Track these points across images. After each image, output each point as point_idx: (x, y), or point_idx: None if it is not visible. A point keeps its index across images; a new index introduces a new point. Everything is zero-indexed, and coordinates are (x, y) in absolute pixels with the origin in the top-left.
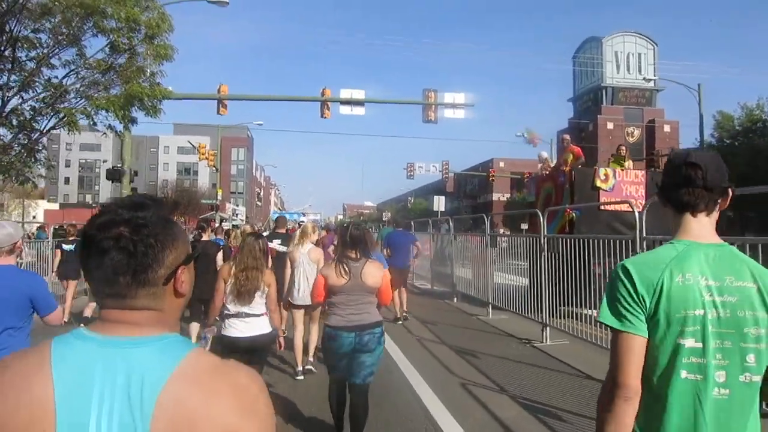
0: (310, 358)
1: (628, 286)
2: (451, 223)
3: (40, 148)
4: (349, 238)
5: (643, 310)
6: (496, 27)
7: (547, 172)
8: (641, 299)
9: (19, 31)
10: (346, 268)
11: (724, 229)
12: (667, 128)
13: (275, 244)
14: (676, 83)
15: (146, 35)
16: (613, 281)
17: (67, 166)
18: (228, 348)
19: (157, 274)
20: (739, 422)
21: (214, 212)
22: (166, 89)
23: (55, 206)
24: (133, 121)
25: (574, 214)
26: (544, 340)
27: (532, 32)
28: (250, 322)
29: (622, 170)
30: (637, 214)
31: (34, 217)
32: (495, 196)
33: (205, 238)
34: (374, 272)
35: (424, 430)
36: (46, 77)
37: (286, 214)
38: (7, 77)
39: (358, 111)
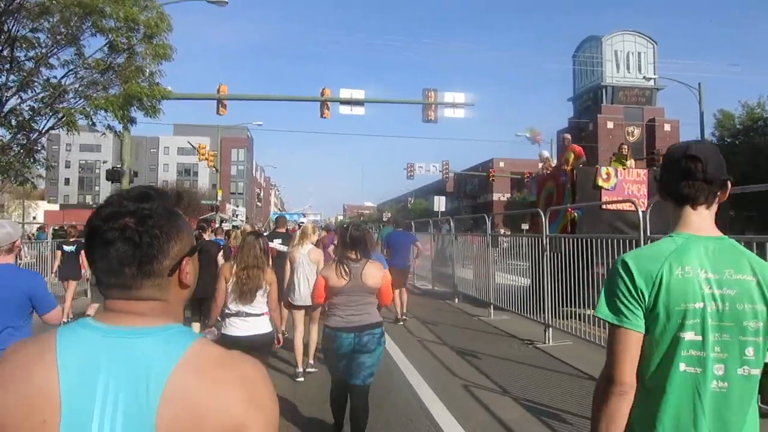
0: (310, 359)
1: (627, 281)
2: (452, 223)
3: (39, 148)
4: (349, 239)
5: (641, 305)
6: (496, 27)
7: (549, 172)
8: (640, 293)
9: (18, 31)
10: (347, 269)
11: (723, 229)
12: (667, 127)
13: (275, 244)
14: (676, 82)
15: (145, 35)
16: (612, 276)
17: (67, 167)
18: (228, 347)
19: (162, 265)
20: (737, 415)
21: (214, 213)
22: (166, 89)
23: (56, 207)
24: (132, 121)
25: (576, 214)
26: (547, 341)
27: (532, 32)
28: (251, 321)
29: (624, 169)
30: (640, 213)
31: (34, 218)
32: (495, 196)
33: (205, 238)
34: (374, 273)
35: None
36: (44, 77)
37: (286, 215)
38: (6, 77)
39: (358, 111)
